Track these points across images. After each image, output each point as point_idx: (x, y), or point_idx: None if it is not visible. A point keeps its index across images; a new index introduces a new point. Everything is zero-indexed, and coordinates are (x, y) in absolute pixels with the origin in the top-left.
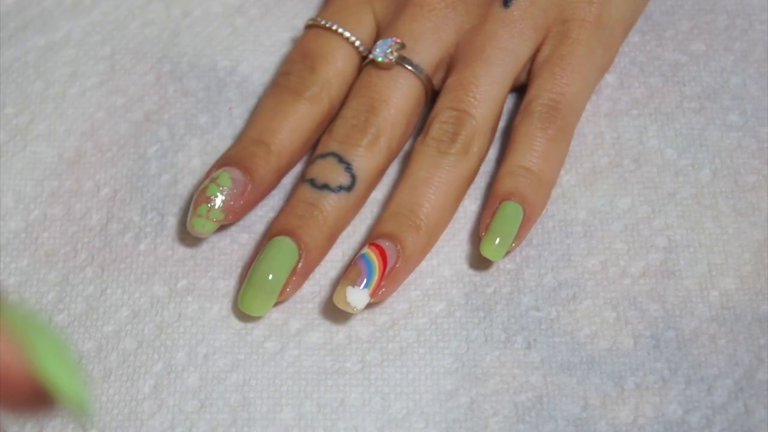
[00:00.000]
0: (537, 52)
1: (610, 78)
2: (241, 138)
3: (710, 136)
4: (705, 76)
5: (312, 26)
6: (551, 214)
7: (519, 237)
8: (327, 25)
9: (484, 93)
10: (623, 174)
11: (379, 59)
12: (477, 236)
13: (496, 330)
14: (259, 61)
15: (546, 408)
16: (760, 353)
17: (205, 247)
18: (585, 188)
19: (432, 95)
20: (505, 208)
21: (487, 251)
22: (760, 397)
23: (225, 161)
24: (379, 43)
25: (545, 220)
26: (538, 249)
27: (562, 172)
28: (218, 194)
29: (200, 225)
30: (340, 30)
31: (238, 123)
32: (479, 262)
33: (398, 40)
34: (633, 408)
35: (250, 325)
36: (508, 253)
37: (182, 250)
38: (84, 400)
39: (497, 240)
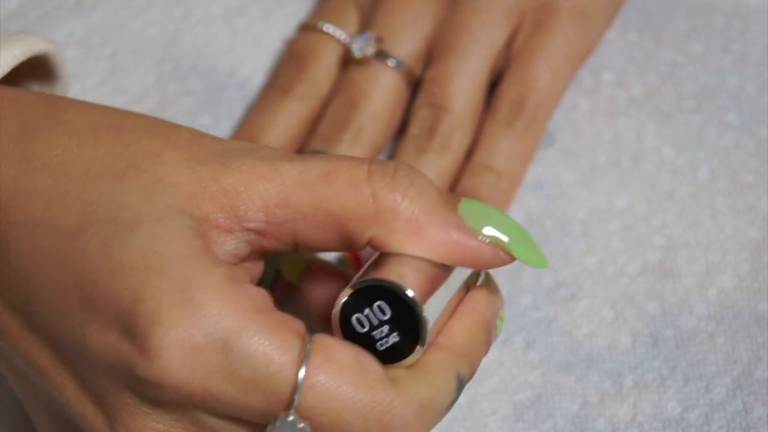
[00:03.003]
0: (512, 39)
1: (608, 77)
2: (233, 137)
3: (708, 135)
4: (703, 76)
5: (302, 28)
6: (549, 212)
7: None
8: (315, 25)
9: (459, 86)
10: (621, 172)
11: (356, 55)
12: None
13: None
14: (259, 61)
15: (545, 407)
16: (758, 351)
17: None
18: (583, 187)
19: (415, 85)
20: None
21: None
22: (758, 395)
23: None
24: (356, 38)
25: (543, 219)
26: None
27: (560, 170)
28: None
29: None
30: (326, 28)
31: (239, 123)
32: None
33: (375, 35)
34: (631, 406)
35: None
36: None
37: None
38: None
39: None
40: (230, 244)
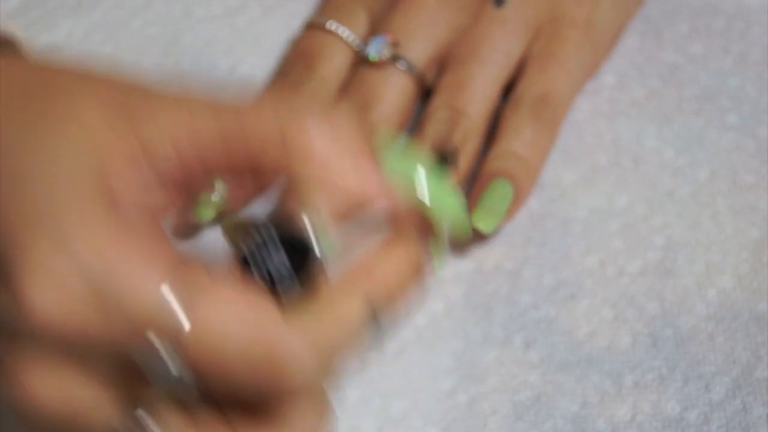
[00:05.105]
0: (529, 49)
1: (609, 79)
2: None
3: (708, 136)
4: (703, 78)
5: (309, 26)
6: (550, 213)
7: (508, 214)
8: (323, 25)
9: (478, 93)
10: (622, 173)
11: (372, 57)
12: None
13: (494, 329)
14: (259, 60)
15: (545, 407)
16: (757, 351)
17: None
18: (584, 187)
19: (424, 91)
20: (496, 183)
21: (478, 222)
22: (757, 395)
23: None
24: (372, 40)
25: (544, 219)
26: (537, 248)
27: (562, 171)
28: (219, 183)
29: (200, 213)
30: (335, 28)
31: None
32: (478, 261)
33: (391, 39)
34: (631, 406)
35: None
36: (497, 230)
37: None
38: (463, 221)
39: (488, 212)
40: (138, 177)
